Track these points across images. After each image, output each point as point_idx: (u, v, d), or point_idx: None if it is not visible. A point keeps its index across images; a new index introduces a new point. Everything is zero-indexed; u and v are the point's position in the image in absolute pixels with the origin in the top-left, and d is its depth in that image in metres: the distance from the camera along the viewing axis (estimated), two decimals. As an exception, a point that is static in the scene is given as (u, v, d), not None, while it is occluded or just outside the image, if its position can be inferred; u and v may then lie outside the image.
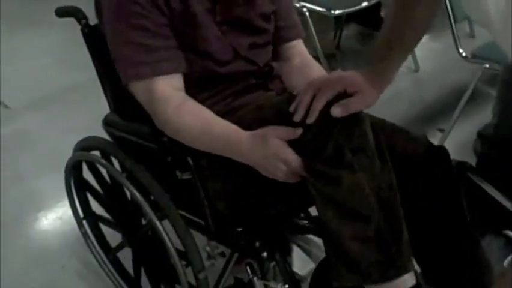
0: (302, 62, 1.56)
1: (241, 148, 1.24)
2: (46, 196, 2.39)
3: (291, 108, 1.20)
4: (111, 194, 1.67)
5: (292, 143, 1.19)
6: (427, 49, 3.40)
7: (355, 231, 1.14)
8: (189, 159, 1.35)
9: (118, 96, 1.49)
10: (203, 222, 1.45)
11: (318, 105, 1.16)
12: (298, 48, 1.58)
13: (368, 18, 3.37)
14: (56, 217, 2.31)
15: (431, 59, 3.35)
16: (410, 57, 3.17)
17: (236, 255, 1.52)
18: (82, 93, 2.93)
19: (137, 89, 1.33)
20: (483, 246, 1.38)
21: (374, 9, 3.14)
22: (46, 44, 3.67)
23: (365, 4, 2.79)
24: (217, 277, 1.56)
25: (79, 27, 1.49)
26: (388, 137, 1.27)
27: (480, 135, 2.17)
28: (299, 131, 1.17)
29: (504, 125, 1.94)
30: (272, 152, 1.19)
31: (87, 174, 1.73)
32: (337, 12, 2.74)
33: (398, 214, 1.17)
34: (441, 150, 1.35)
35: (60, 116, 2.90)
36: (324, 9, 2.70)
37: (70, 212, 1.91)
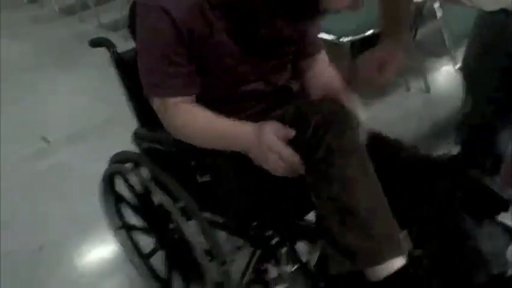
0: (320, 69, 1.61)
1: (243, 140, 1.34)
2: (86, 220, 2.50)
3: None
4: (143, 201, 1.81)
5: (289, 143, 1.28)
6: (438, 71, 3.54)
7: (346, 222, 1.23)
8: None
9: (143, 112, 1.65)
10: (221, 221, 1.60)
11: None
12: (318, 59, 1.62)
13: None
14: (97, 239, 2.45)
15: (442, 81, 3.47)
16: (421, 79, 3.34)
17: (258, 252, 1.67)
18: (116, 125, 3.11)
19: (153, 100, 1.46)
20: (483, 235, 1.43)
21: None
22: (82, 81, 3.95)
23: (369, 32, 2.82)
24: (237, 270, 1.68)
25: (110, 67, 1.68)
26: (380, 143, 1.43)
27: (457, 126, 2.23)
28: (293, 132, 1.28)
29: (475, 113, 2.02)
30: (266, 145, 1.28)
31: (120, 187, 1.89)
32: (346, 40, 2.79)
33: (385, 204, 1.27)
34: (429, 157, 1.48)
35: (96, 146, 3.07)
36: (333, 37, 2.74)
37: (107, 234, 2.08)
